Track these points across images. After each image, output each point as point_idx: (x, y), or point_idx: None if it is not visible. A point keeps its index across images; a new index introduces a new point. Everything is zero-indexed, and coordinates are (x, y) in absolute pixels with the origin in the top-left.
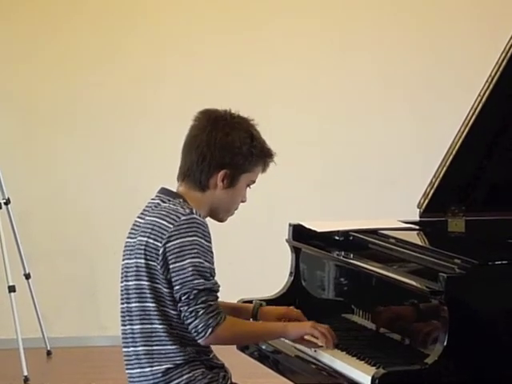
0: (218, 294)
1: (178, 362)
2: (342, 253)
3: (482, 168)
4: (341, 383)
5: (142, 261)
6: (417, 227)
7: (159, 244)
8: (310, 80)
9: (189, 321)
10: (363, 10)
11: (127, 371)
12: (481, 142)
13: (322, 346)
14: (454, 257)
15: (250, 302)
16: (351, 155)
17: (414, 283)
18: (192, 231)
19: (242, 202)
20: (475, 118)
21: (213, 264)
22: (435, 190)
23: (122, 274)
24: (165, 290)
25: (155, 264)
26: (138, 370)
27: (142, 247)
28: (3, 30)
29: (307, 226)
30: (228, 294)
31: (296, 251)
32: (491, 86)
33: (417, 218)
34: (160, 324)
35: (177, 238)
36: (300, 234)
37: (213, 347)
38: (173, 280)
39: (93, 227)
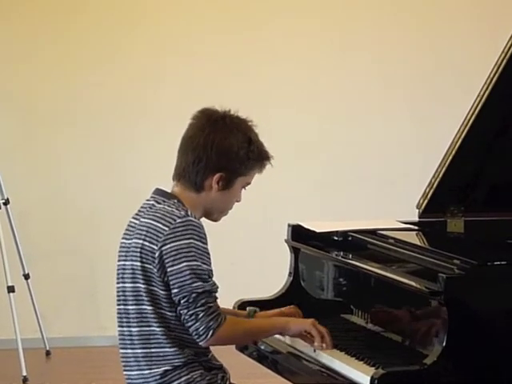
0: (217, 295)
1: (176, 364)
2: (341, 253)
3: (482, 168)
4: None
5: (138, 263)
6: (416, 227)
7: (155, 247)
8: (310, 80)
9: (189, 324)
10: (363, 10)
11: (125, 373)
12: (480, 142)
13: (317, 346)
14: (453, 257)
15: (249, 302)
16: (351, 155)
17: (413, 284)
18: (188, 234)
19: (237, 201)
20: (474, 119)
21: (210, 265)
22: (434, 190)
23: (118, 275)
24: (161, 292)
25: (151, 267)
26: (137, 372)
27: (138, 250)
28: (3, 30)
29: (306, 226)
30: (227, 295)
31: (295, 251)
32: (490, 87)
33: (416, 219)
34: (158, 327)
35: (173, 241)
36: (299, 235)
37: (211, 347)
38: (171, 283)
39: (92, 227)
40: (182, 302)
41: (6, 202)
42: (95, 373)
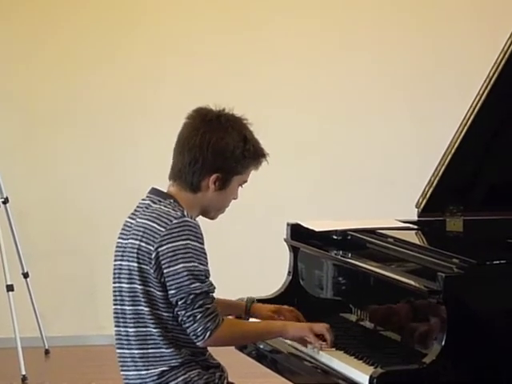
0: (214, 295)
1: (173, 365)
2: (340, 252)
3: (481, 168)
4: (339, 383)
5: (135, 264)
6: (415, 227)
7: (151, 248)
8: (310, 80)
9: (187, 325)
10: (363, 10)
11: (122, 373)
12: (479, 141)
13: (317, 346)
14: (452, 256)
15: None
16: (351, 155)
17: (412, 283)
18: (184, 235)
19: (234, 199)
20: (473, 118)
21: (207, 265)
22: (433, 189)
23: (115, 274)
24: (158, 293)
25: (148, 268)
26: (135, 373)
27: (135, 250)
28: (3, 30)
29: (305, 225)
30: (226, 294)
31: (294, 250)
32: (489, 86)
33: (415, 218)
34: (154, 328)
35: (169, 242)
36: (298, 234)
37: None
38: (168, 284)
39: (91, 227)
40: (179, 303)
41: (5, 201)
42: (94, 372)
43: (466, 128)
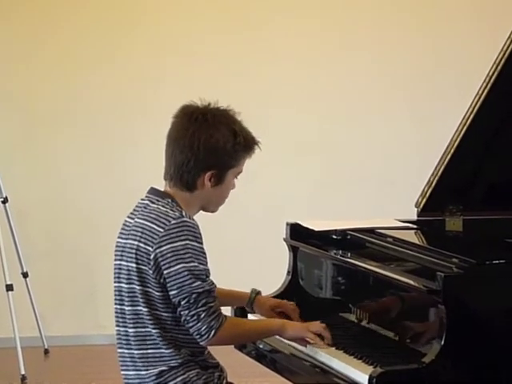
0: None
1: (172, 365)
2: (340, 252)
3: (480, 167)
4: (338, 382)
5: (134, 265)
6: (414, 226)
7: (150, 248)
8: (310, 80)
9: (190, 324)
10: (363, 10)
11: (123, 372)
12: (479, 141)
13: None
14: (452, 256)
15: None
16: (351, 155)
17: (411, 282)
18: (183, 235)
19: (232, 189)
20: (473, 117)
21: (206, 265)
22: (433, 189)
23: (115, 274)
24: (157, 293)
25: (147, 268)
26: (134, 373)
27: (133, 251)
28: (3, 30)
29: (305, 225)
30: None
31: (294, 250)
32: (489, 85)
33: (414, 218)
34: (154, 328)
35: (168, 243)
36: (298, 233)
37: (209, 346)
38: (168, 285)
39: (91, 227)
40: (182, 302)
41: (5, 201)
42: (94, 372)
43: (465, 127)
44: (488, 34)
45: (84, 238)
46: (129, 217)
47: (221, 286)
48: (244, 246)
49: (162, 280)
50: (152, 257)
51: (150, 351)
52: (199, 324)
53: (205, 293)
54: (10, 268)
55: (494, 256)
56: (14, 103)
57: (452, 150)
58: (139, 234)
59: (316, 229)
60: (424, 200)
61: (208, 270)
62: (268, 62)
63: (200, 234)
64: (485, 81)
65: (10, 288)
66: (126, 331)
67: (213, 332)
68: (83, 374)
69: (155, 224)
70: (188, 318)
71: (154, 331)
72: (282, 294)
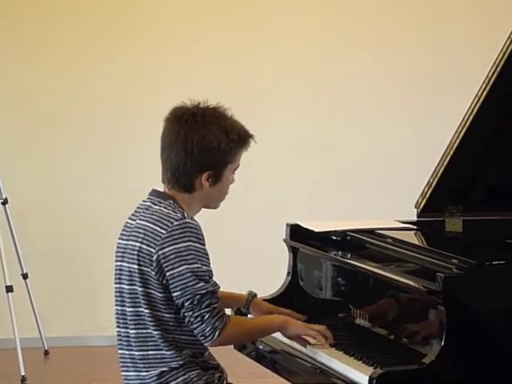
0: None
1: (173, 366)
2: (340, 253)
3: (480, 168)
4: (338, 383)
5: (136, 266)
6: (414, 227)
7: (152, 250)
8: (310, 80)
9: (194, 325)
10: (363, 10)
11: (123, 373)
12: (478, 142)
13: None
14: (452, 257)
15: None
16: (351, 155)
17: (411, 283)
18: (186, 236)
19: (231, 183)
20: (473, 118)
21: (209, 266)
22: (433, 189)
23: (116, 275)
24: (158, 295)
25: (149, 270)
26: (135, 374)
27: (135, 253)
28: (3, 30)
29: (305, 225)
30: None
31: (293, 251)
32: (489, 86)
33: (414, 218)
34: (155, 330)
35: (171, 245)
36: (297, 234)
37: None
38: (171, 286)
39: (91, 227)
40: (185, 304)
41: (5, 202)
42: (94, 373)
43: (465, 129)
44: (488, 34)
45: (84, 238)
46: (130, 218)
47: (221, 287)
48: (244, 247)
49: (164, 281)
50: (154, 258)
51: (150, 352)
52: (203, 325)
53: (208, 294)
54: (9, 269)
55: (494, 257)
56: (13, 103)
57: (451, 151)
58: (141, 235)
59: (316, 230)
60: (424, 201)
61: (211, 270)
62: (268, 62)
63: (202, 235)
64: (484, 81)
65: (9, 289)
66: (127, 332)
67: (217, 333)
68: (83, 375)
69: (158, 226)
70: (192, 319)
71: (155, 332)
72: (281, 295)
